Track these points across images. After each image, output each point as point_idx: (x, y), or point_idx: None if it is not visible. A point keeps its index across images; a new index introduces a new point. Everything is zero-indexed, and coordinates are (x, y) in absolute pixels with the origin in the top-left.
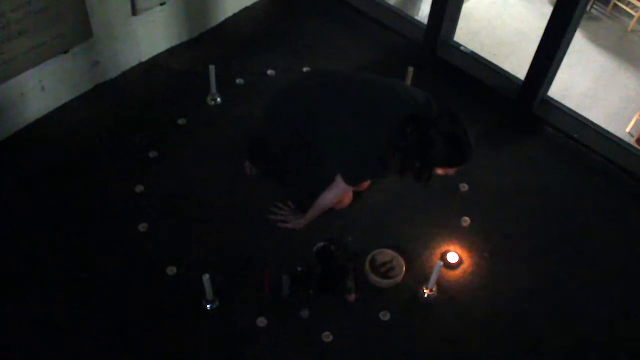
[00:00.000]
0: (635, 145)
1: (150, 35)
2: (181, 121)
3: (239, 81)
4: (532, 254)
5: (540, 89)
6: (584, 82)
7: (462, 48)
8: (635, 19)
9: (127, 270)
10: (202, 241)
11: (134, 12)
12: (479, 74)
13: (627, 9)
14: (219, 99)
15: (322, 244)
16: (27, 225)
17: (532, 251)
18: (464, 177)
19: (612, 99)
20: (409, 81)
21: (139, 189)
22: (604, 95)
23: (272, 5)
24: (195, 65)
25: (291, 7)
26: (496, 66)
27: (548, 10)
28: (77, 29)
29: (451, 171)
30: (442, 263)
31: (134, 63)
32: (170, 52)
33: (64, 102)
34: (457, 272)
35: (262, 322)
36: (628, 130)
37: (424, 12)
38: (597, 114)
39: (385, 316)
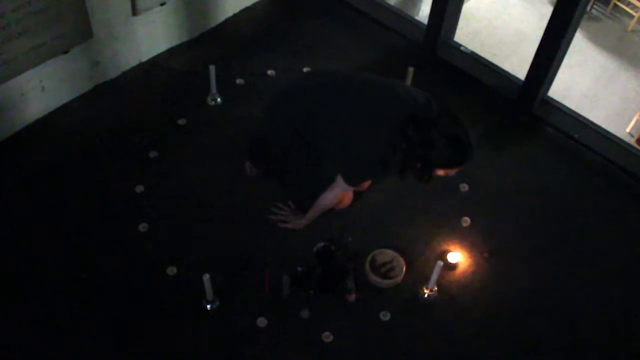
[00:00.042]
0: (635, 145)
1: (150, 35)
2: (181, 121)
3: (239, 81)
4: (532, 254)
5: (540, 89)
6: (584, 82)
7: (462, 48)
8: (635, 19)
9: (127, 270)
10: (202, 241)
11: (134, 12)
12: (479, 74)
13: (627, 9)
14: (219, 99)
15: (322, 244)
16: (27, 225)
17: (532, 251)
18: (464, 177)
19: (612, 99)
20: (409, 81)
21: (139, 189)
22: (604, 95)
23: (272, 5)
24: (195, 65)
25: (291, 7)
26: (496, 66)
27: (548, 10)
28: (77, 29)
29: (451, 172)
30: (442, 263)
31: (134, 63)
32: (170, 52)
33: (64, 102)
34: (457, 272)
35: (262, 322)
36: (628, 130)
37: (424, 12)
38: (597, 114)
39: (385, 316)
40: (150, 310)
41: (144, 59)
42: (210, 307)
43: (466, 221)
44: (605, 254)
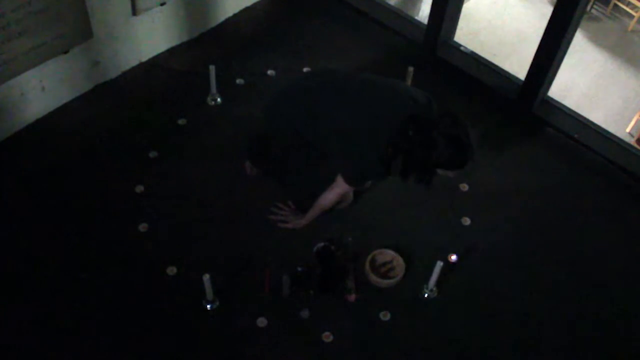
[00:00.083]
0: (635, 145)
1: (150, 35)
2: (181, 121)
3: (239, 81)
4: (532, 254)
5: (540, 89)
6: (584, 82)
7: (462, 48)
8: (635, 19)
9: (127, 270)
10: (202, 241)
11: (134, 12)
12: (479, 74)
13: (627, 9)
14: (219, 99)
15: (322, 244)
16: (27, 225)
17: (532, 251)
18: (464, 177)
19: (612, 99)
20: (409, 81)
21: (139, 189)
22: (604, 95)
23: (272, 5)
24: (195, 65)
25: (291, 7)
26: (496, 66)
27: (548, 10)
28: (77, 29)
29: (452, 174)
30: (442, 263)
31: (134, 63)
32: (170, 52)
33: (64, 102)
34: (457, 272)
35: (262, 322)
36: (628, 130)
37: (424, 12)
38: (597, 114)
39: (385, 316)
40: (150, 310)
41: (144, 59)
42: (210, 307)
43: (466, 221)
44: (605, 254)
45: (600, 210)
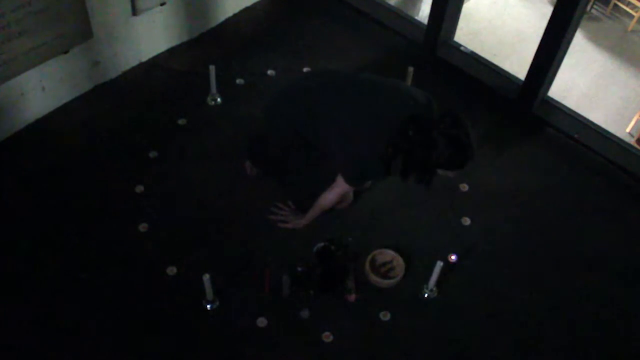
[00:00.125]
0: (635, 145)
1: (150, 35)
2: (181, 121)
3: (239, 81)
4: (532, 254)
5: (540, 89)
6: (584, 82)
7: (462, 48)
8: (635, 19)
9: (127, 270)
10: (202, 241)
11: (134, 12)
12: (479, 73)
13: (627, 9)
14: (219, 99)
15: (322, 244)
16: (27, 225)
17: (532, 251)
18: (464, 177)
19: (612, 99)
20: (409, 81)
21: (139, 189)
22: (604, 95)
23: (272, 5)
24: (195, 65)
25: (291, 7)
26: (496, 66)
27: (548, 10)
28: (77, 29)
29: (452, 174)
30: (442, 263)
31: (134, 63)
32: (170, 52)
33: (64, 102)
34: (457, 272)
35: (262, 322)
36: (628, 130)
37: (424, 12)
38: (597, 114)
39: (385, 316)
40: (150, 310)
41: (144, 59)
42: (210, 307)
43: (466, 221)
44: (605, 254)
45: (600, 210)
